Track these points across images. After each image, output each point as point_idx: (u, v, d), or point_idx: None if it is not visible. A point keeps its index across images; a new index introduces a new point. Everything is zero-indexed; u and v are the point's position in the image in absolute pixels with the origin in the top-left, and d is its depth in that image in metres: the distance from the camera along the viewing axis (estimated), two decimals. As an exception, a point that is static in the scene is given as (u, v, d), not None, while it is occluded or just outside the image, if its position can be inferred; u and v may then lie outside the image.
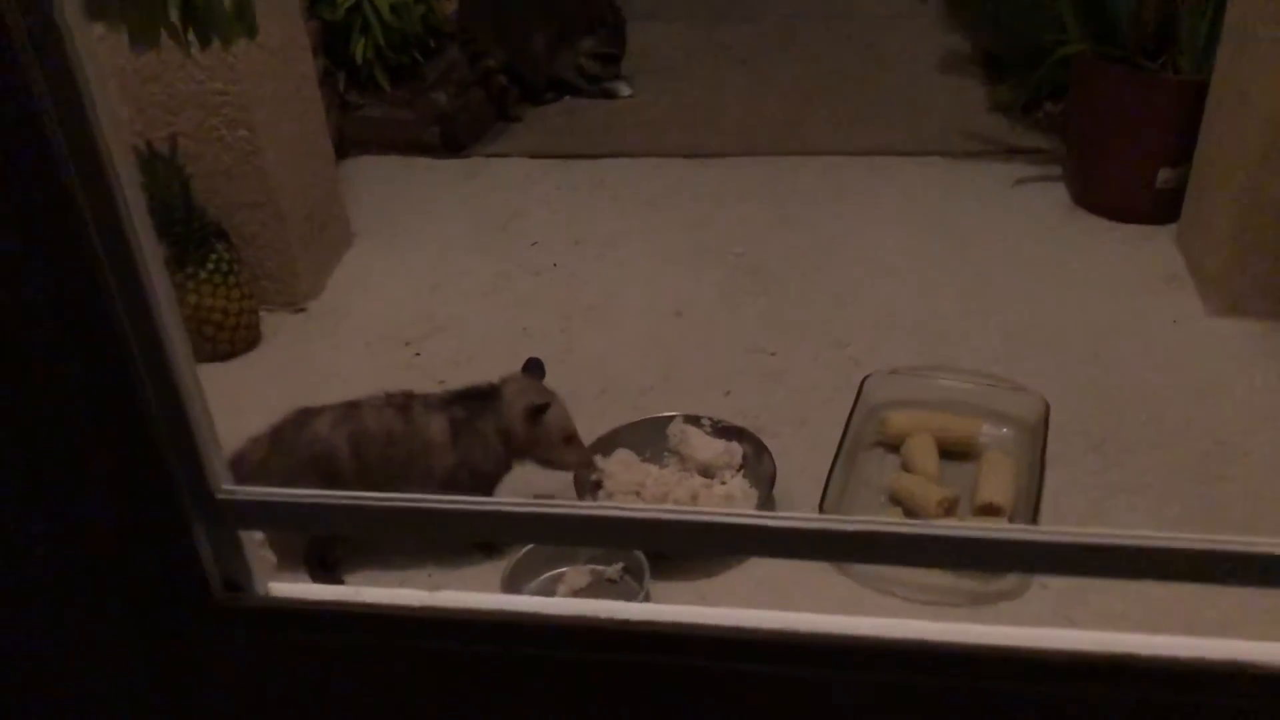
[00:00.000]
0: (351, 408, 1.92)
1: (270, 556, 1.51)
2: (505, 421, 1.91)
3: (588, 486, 2.03)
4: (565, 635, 0.78)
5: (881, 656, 0.80)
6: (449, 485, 1.90)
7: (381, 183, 3.22)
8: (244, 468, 1.90)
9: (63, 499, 0.82)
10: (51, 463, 0.81)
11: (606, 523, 0.80)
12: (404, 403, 1.92)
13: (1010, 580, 1.86)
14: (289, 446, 1.90)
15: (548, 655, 0.80)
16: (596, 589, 1.90)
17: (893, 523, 0.80)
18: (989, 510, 1.95)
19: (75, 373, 0.78)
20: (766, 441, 2.08)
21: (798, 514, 0.79)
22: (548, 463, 1.97)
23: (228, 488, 0.80)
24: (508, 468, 1.97)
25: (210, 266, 2.44)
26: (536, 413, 1.90)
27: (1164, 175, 2.71)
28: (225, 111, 2.44)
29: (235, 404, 2.39)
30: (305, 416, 1.92)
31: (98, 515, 0.82)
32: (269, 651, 0.82)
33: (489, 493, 1.97)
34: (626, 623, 0.78)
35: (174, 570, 0.79)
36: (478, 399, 1.93)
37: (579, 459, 1.98)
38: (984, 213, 2.89)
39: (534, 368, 2.01)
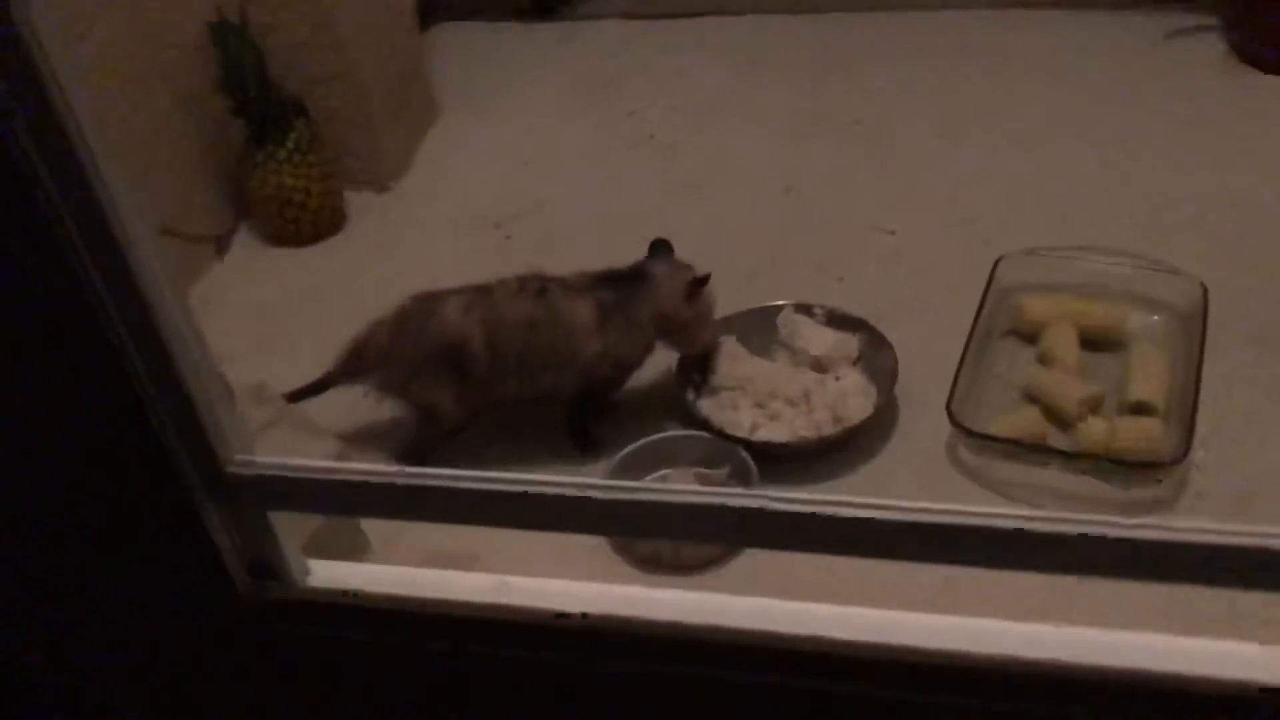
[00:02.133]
0: (482, 292, 1.78)
1: (333, 444, 1.37)
2: (661, 303, 1.79)
3: (690, 383, 1.88)
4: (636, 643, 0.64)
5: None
6: (588, 374, 1.79)
7: (468, 51, 3.03)
8: (367, 355, 1.80)
9: (50, 484, 0.68)
10: (33, 443, 0.66)
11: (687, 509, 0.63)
12: (540, 287, 1.78)
13: (1164, 487, 1.67)
14: (415, 335, 1.77)
15: (626, 667, 0.66)
16: (701, 493, 1.76)
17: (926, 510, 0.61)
18: (1140, 409, 1.75)
19: (32, 328, 0.61)
20: (886, 332, 1.89)
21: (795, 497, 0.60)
22: (689, 343, 1.86)
23: (241, 459, 0.65)
24: (648, 354, 1.85)
25: (289, 145, 2.31)
26: (699, 286, 1.79)
27: (1346, 22, 2.37)
28: (299, -24, 2.27)
29: (320, 290, 2.30)
30: (430, 302, 1.79)
31: (91, 502, 0.67)
32: (307, 650, 0.68)
33: (621, 385, 1.88)
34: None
35: (187, 560, 0.65)
36: (626, 281, 1.80)
37: (718, 340, 1.89)
38: (1131, 71, 2.59)
39: (662, 247, 1.86)
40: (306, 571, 0.68)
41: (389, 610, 0.65)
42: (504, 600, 0.66)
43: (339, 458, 1.27)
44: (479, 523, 0.58)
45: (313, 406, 1.86)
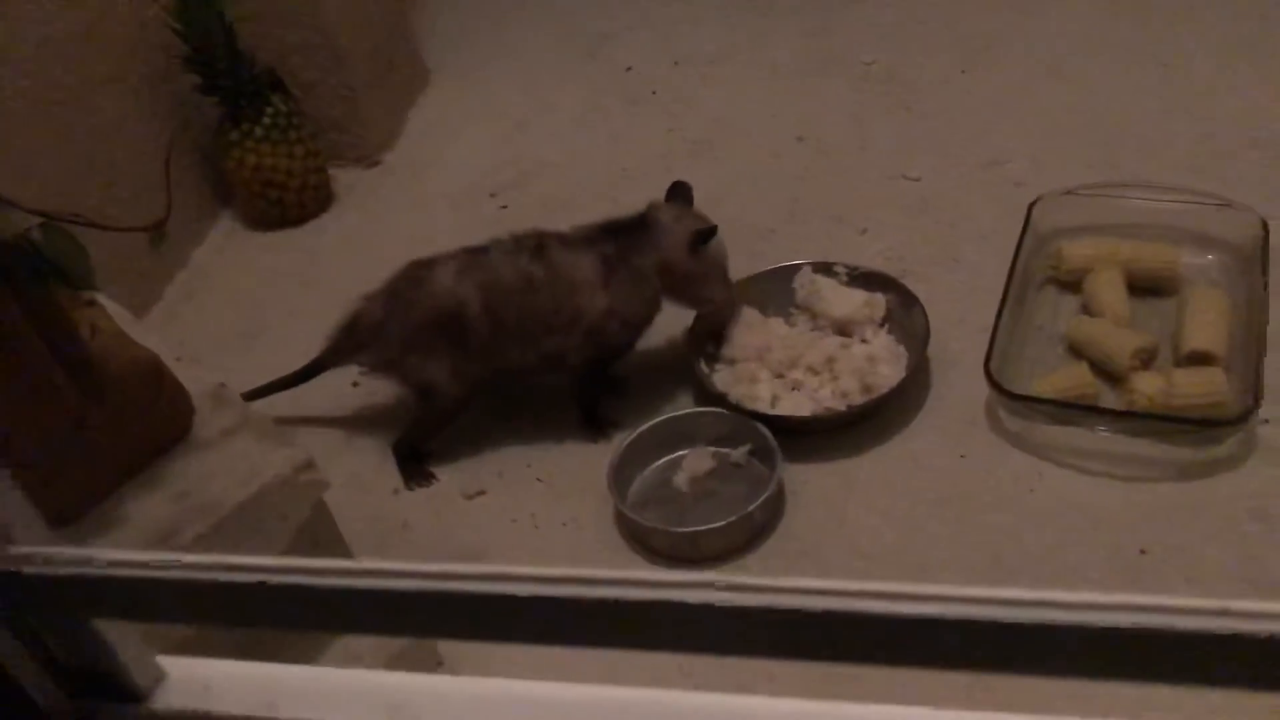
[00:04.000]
0: (476, 254, 1.66)
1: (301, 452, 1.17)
2: (664, 252, 1.64)
3: (703, 351, 1.73)
4: None
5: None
6: (595, 335, 1.65)
7: (455, 11, 2.86)
8: (359, 331, 1.68)
9: None
10: None
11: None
12: (537, 243, 1.65)
13: (1229, 446, 1.52)
14: (407, 305, 1.65)
15: None
16: (721, 474, 1.62)
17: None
18: (1198, 359, 1.60)
19: None
20: (914, 288, 1.74)
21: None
22: (696, 299, 1.71)
23: (19, 553, 0.45)
24: (657, 310, 1.70)
25: (267, 121, 2.17)
26: (702, 238, 1.63)
27: (1404, -79, 2.17)
28: (264, -62, 2.11)
29: (309, 274, 2.17)
30: (421, 270, 1.66)
31: None
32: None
33: (631, 346, 1.73)
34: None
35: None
36: (628, 232, 1.66)
37: (732, 299, 1.73)
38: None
39: (681, 192, 1.72)
40: (159, 678, 0.51)
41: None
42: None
43: (306, 468, 1.13)
44: (408, 635, 0.42)
45: (286, 406, 1.75)
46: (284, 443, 1.16)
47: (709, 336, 1.75)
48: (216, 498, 1.13)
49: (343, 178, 2.36)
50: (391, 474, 1.71)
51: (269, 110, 2.17)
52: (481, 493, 1.67)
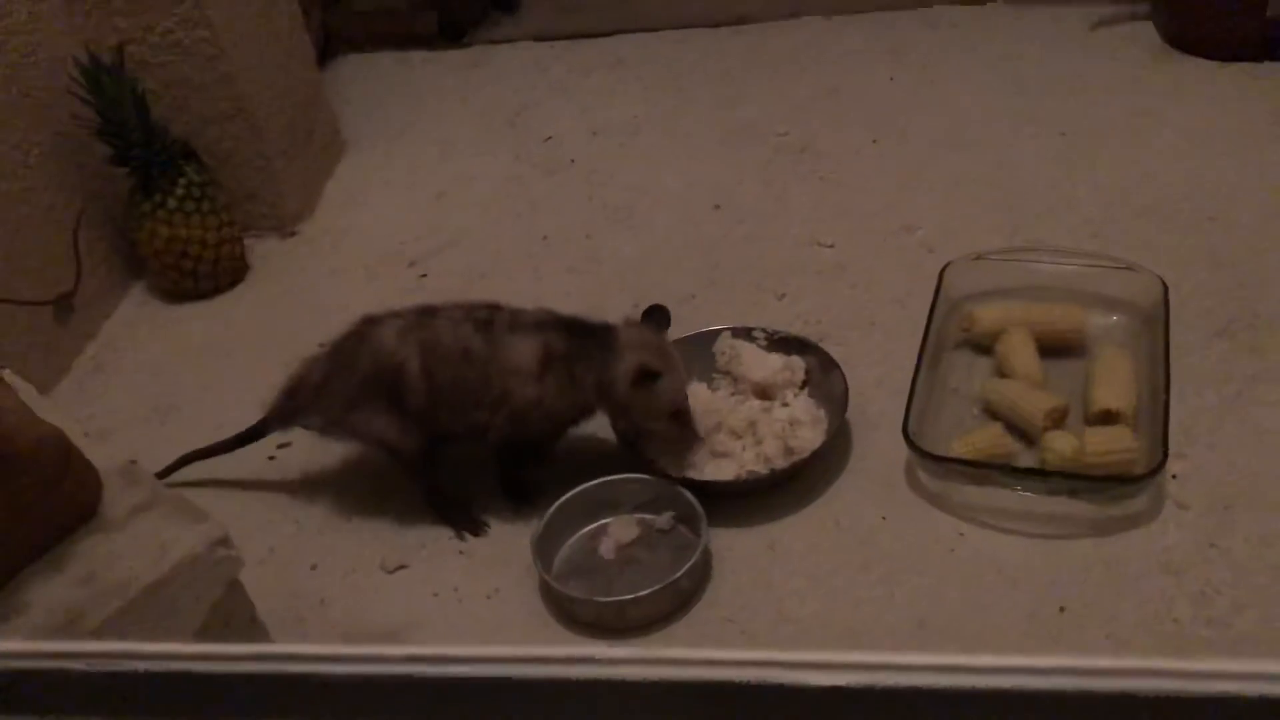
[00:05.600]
0: (425, 314, 1.63)
1: (215, 527, 1.14)
2: (609, 375, 1.58)
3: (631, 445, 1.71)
4: None
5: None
6: (519, 420, 1.61)
7: (374, 82, 2.87)
8: (302, 393, 1.65)
9: None
10: None
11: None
12: (487, 317, 1.62)
13: (1140, 501, 1.55)
14: (349, 360, 1.62)
15: None
16: (646, 541, 1.62)
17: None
18: (1107, 418, 1.64)
19: None
20: (832, 351, 1.76)
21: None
22: (641, 429, 1.66)
23: None
24: (588, 416, 1.66)
25: (180, 193, 2.14)
26: (644, 379, 1.57)
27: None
28: (178, 10, 2.10)
29: (223, 346, 2.12)
30: (367, 326, 1.64)
31: None
32: None
33: (555, 439, 1.70)
34: None
35: None
36: (585, 335, 1.61)
37: (683, 438, 1.65)
38: (1063, 64, 2.50)
39: (658, 317, 1.66)
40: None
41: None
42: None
43: (220, 545, 1.10)
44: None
45: (202, 482, 1.73)
46: (197, 519, 1.13)
47: (634, 437, 1.69)
48: (125, 578, 1.09)
49: (259, 248, 2.33)
50: (309, 549, 1.67)
51: (182, 181, 2.14)
52: (403, 566, 1.63)
